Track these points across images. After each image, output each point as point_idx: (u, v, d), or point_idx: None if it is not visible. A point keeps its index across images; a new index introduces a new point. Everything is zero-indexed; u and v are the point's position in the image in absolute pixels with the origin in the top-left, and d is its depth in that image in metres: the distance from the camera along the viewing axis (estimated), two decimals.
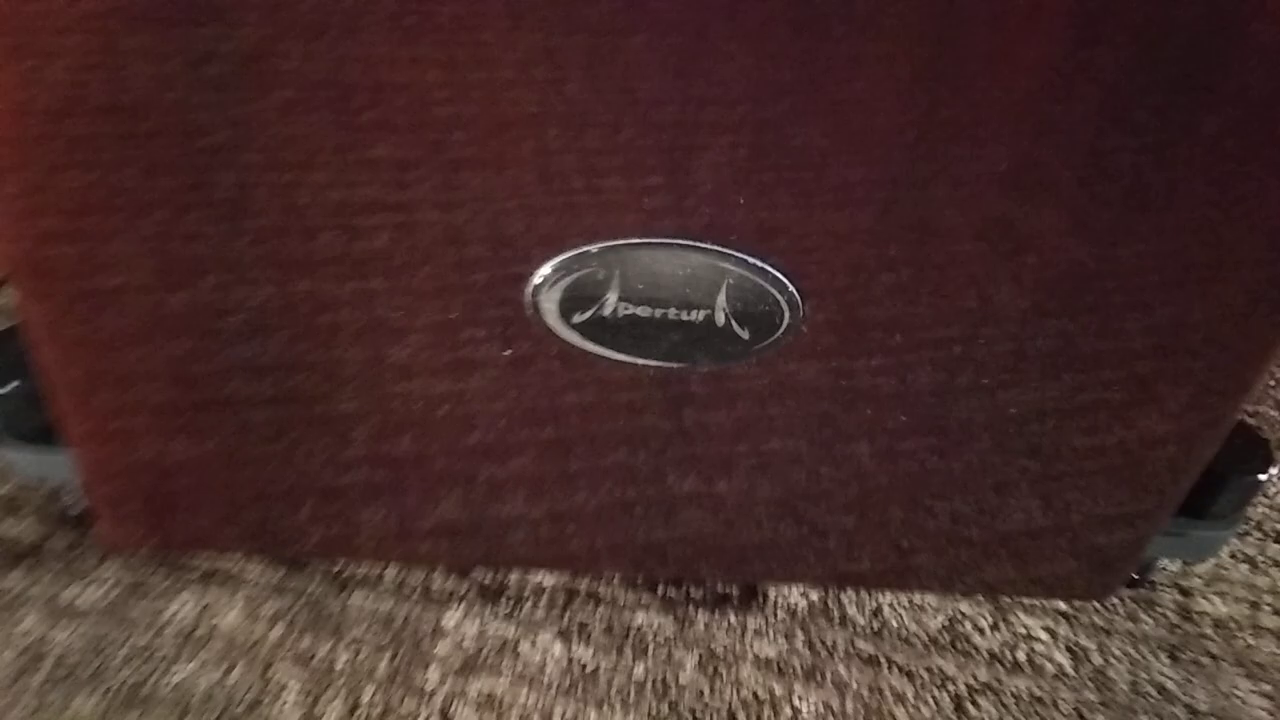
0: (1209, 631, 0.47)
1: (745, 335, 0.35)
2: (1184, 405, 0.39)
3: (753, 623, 0.46)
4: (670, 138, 0.32)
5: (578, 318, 0.35)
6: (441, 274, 0.35)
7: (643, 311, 0.35)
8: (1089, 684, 0.45)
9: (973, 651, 0.46)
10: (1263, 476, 0.43)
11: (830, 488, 0.41)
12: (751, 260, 0.34)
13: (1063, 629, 0.47)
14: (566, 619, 0.46)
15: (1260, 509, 0.52)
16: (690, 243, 0.33)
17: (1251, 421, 0.57)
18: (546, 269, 0.34)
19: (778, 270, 0.34)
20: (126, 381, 0.38)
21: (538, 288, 0.34)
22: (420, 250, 0.35)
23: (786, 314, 0.35)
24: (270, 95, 0.31)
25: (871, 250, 0.34)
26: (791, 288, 0.34)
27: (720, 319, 0.35)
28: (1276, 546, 0.51)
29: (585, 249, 0.33)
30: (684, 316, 0.35)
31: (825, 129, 0.31)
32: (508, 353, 0.37)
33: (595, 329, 0.35)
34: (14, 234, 0.34)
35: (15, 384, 0.42)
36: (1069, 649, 0.46)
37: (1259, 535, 0.51)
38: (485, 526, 0.42)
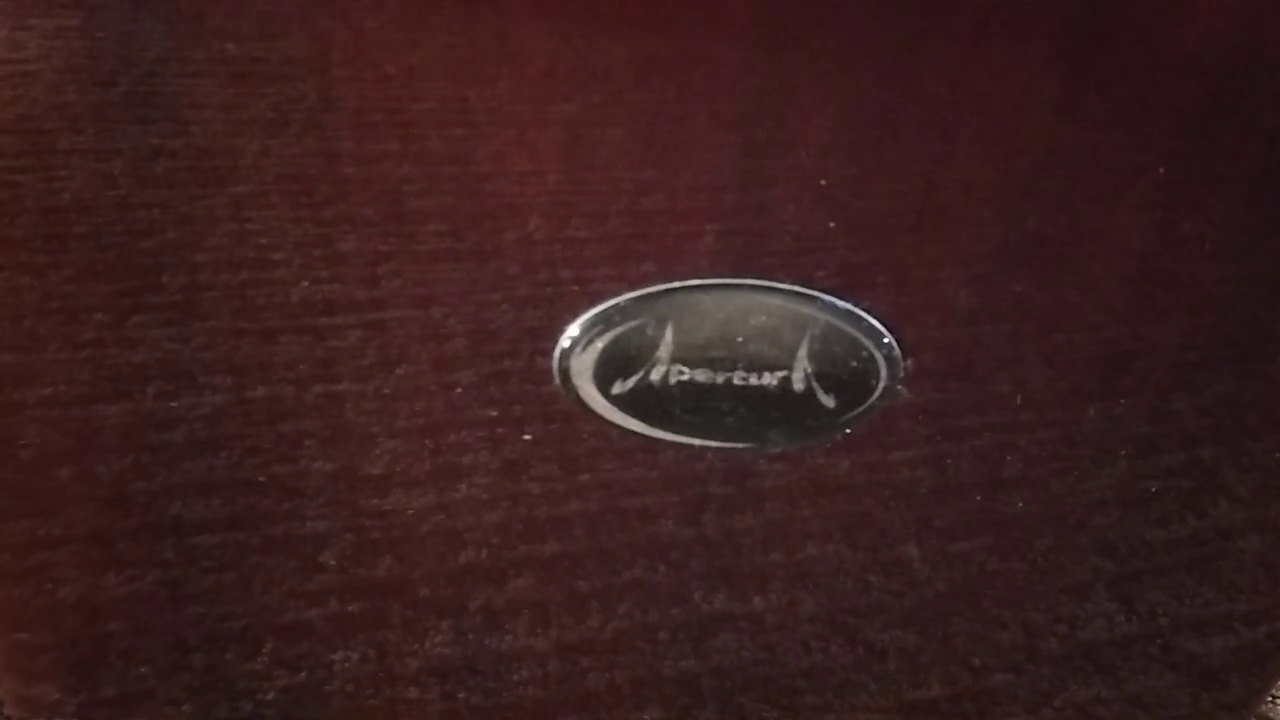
0: None
1: (831, 404, 0.30)
2: (1255, 491, 0.37)
3: None
4: (660, 224, 0.31)
5: (619, 387, 0.29)
6: (419, 374, 0.32)
7: (702, 376, 0.29)
8: None
9: None
10: None
11: (882, 599, 0.37)
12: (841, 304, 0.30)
13: None
14: None
15: None
16: (764, 283, 0.29)
17: None
18: (575, 329, 0.29)
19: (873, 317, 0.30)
20: (52, 506, 0.33)
21: (566, 352, 0.29)
22: (394, 349, 0.32)
23: (884, 372, 0.30)
24: (224, 190, 0.30)
25: None
26: (890, 339, 0.30)
27: (800, 383, 0.29)
28: None
29: (627, 297, 0.29)
30: (755, 380, 0.29)
31: (820, 215, 0.31)
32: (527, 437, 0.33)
33: (642, 401, 0.29)
34: None
35: None
36: None
37: None
38: (483, 665, 0.37)
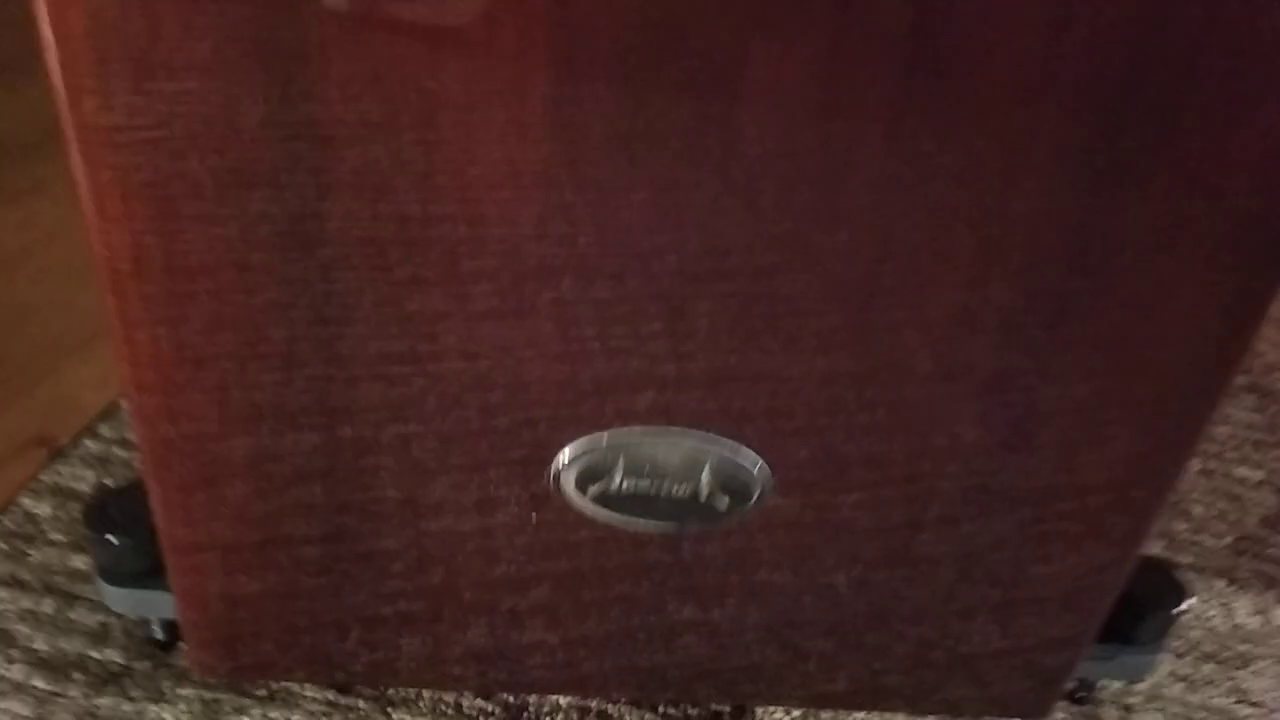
0: None
1: (724, 506, 0.41)
2: (1125, 534, 0.44)
3: None
4: (669, 286, 0.36)
5: (592, 490, 0.41)
6: (468, 418, 0.39)
7: (642, 486, 0.40)
8: None
9: None
10: (1178, 610, 0.49)
11: (812, 615, 0.46)
12: (729, 442, 0.40)
13: None
14: None
15: (1197, 632, 0.58)
16: (681, 429, 0.39)
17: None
18: (565, 455, 0.40)
19: (752, 449, 0.40)
20: (197, 522, 0.43)
21: (561, 471, 0.40)
22: (449, 396, 0.39)
23: (759, 486, 0.41)
24: (315, 254, 0.35)
25: (850, 391, 0.39)
26: (763, 462, 0.40)
27: (704, 493, 0.41)
28: (1209, 667, 0.56)
29: (598, 437, 0.39)
30: (675, 491, 0.41)
31: (810, 278, 0.35)
32: (534, 515, 0.43)
33: (605, 499, 0.41)
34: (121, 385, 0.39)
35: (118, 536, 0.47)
36: None
37: (1195, 656, 0.57)
38: (509, 652, 0.47)
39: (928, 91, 0.32)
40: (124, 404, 0.58)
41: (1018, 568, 0.46)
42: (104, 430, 0.62)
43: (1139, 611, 0.49)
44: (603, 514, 0.42)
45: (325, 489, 0.42)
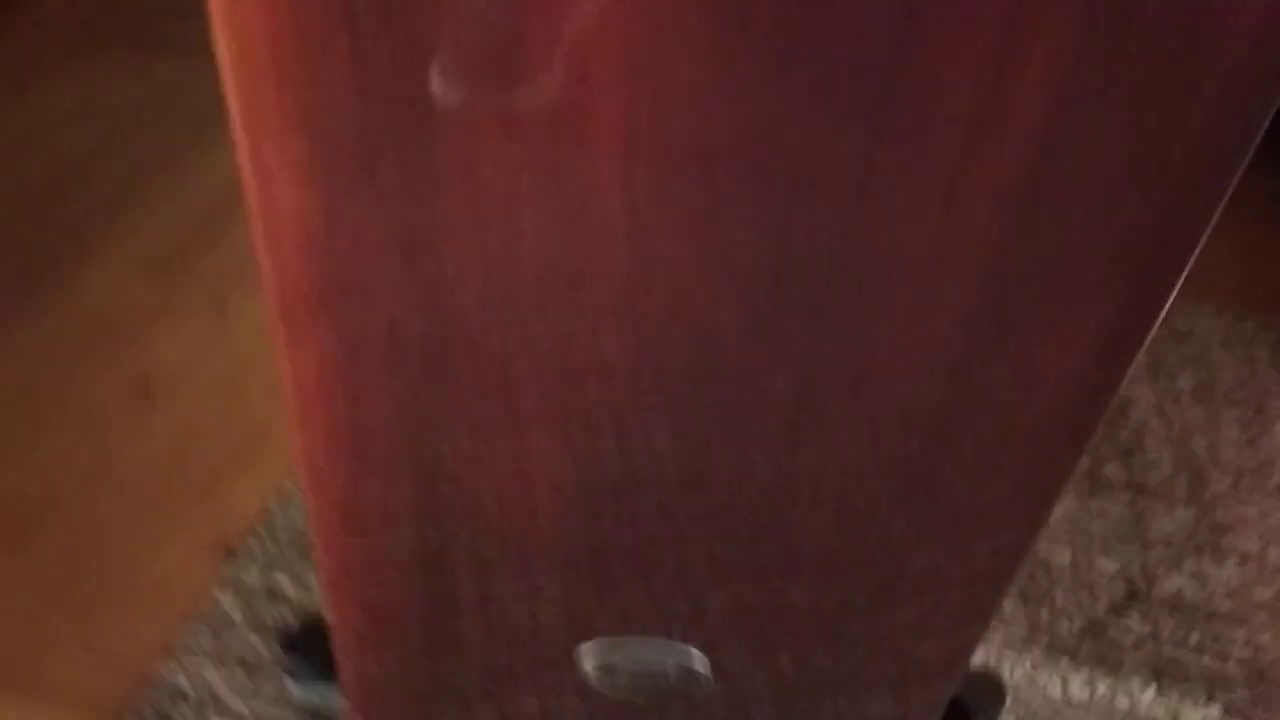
0: None
1: (687, 677, 0.65)
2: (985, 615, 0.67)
3: None
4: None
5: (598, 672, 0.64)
6: (519, 514, 0.62)
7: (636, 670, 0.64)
8: None
9: None
10: (998, 713, 0.73)
11: (753, 690, 0.70)
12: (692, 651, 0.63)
13: None
14: None
15: (1036, 701, 0.81)
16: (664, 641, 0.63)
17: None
18: (581, 651, 0.64)
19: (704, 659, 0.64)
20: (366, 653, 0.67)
21: (580, 660, 0.64)
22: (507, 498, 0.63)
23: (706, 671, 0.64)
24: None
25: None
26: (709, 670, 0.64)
27: (672, 675, 0.64)
28: None
29: (603, 641, 0.63)
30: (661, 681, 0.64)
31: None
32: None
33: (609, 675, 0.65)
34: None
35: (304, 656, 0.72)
36: None
37: None
38: None
39: None
40: (271, 518, 0.82)
41: (915, 653, 0.69)
42: (261, 531, 0.86)
43: (967, 715, 0.72)
44: (607, 687, 0.66)
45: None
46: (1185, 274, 0.44)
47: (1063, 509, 0.94)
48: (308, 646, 0.71)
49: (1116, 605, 0.87)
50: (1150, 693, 0.81)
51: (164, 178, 1.19)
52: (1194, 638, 0.85)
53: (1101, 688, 0.81)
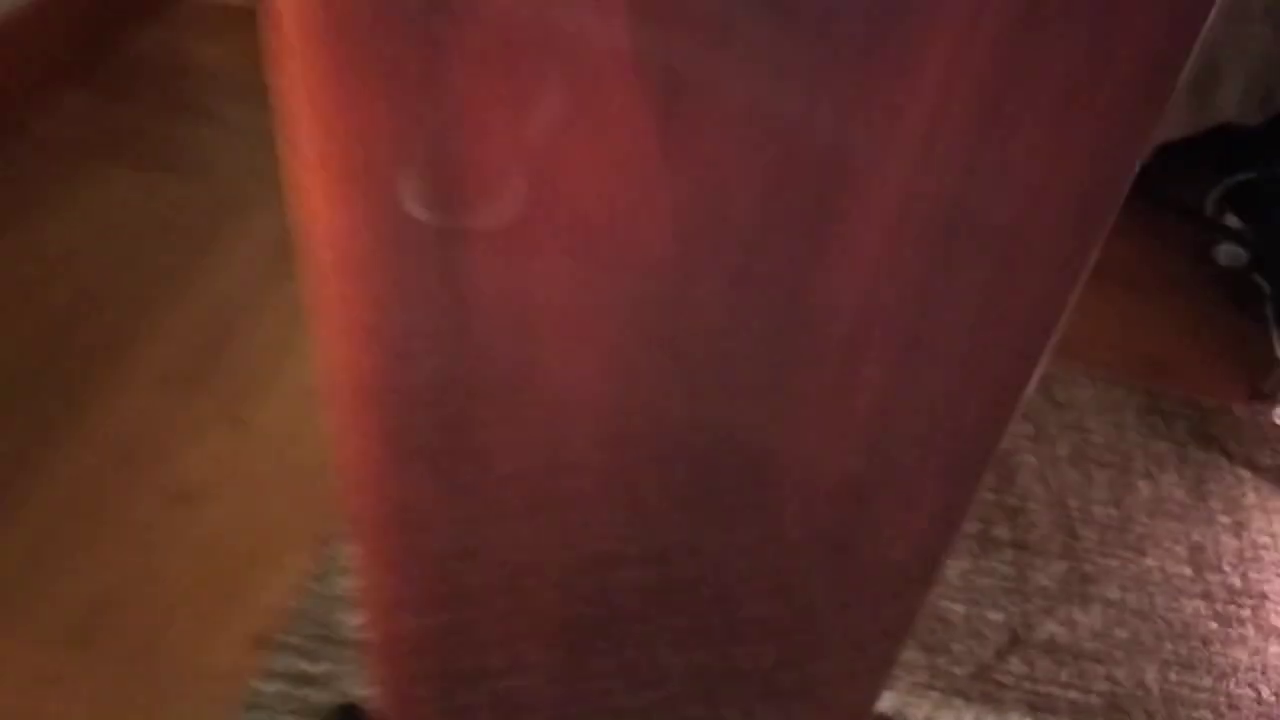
0: None
1: None
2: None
3: None
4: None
5: None
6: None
7: None
8: None
9: None
10: None
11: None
12: None
13: None
14: None
15: None
16: None
17: None
18: None
19: None
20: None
21: None
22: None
23: None
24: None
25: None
26: None
27: None
28: None
29: None
30: None
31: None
32: None
33: None
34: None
35: None
36: None
37: None
38: None
39: None
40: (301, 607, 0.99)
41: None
42: (292, 623, 1.02)
43: None
44: None
45: None
46: (1050, 347, 0.50)
47: (958, 568, 1.13)
48: None
49: (1000, 651, 1.06)
50: None
51: (170, 297, 1.34)
52: (1063, 675, 1.05)
53: None
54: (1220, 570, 1.17)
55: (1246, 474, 1.28)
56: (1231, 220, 1.64)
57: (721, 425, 0.54)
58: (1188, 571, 1.16)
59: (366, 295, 0.47)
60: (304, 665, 0.98)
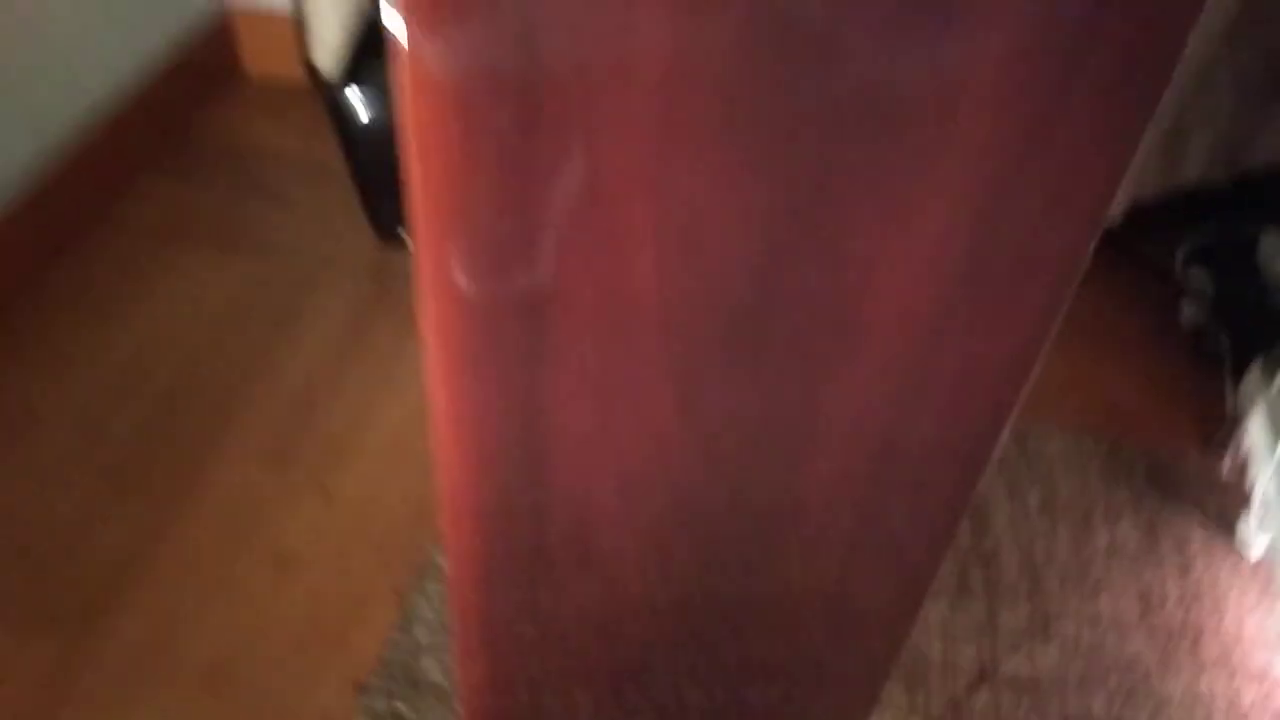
0: None
1: None
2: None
3: None
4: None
5: None
6: None
7: None
8: None
9: None
10: None
11: None
12: None
13: None
14: None
15: None
16: None
17: None
18: None
19: None
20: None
21: None
22: None
23: None
24: None
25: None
26: None
27: None
28: None
29: None
30: None
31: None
32: None
33: None
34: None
35: None
36: None
37: None
38: None
39: None
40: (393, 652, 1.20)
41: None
42: (382, 669, 1.24)
43: None
44: None
45: None
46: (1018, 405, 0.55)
47: (937, 612, 1.33)
48: None
49: (970, 685, 1.27)
50: None
51: (258, 375, 1.56)
52: (1023, 707, 1.25)
53: None
54: (1165, 609, 1.37)
55: (1195, 520, 1.48)
56: (1197, 276, 1.82)
57: (738, 492, 0.64)
58: (1136, 610, 1.36)
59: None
60: (399, 706, 1.20)
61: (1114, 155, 0.45)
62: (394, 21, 0.42)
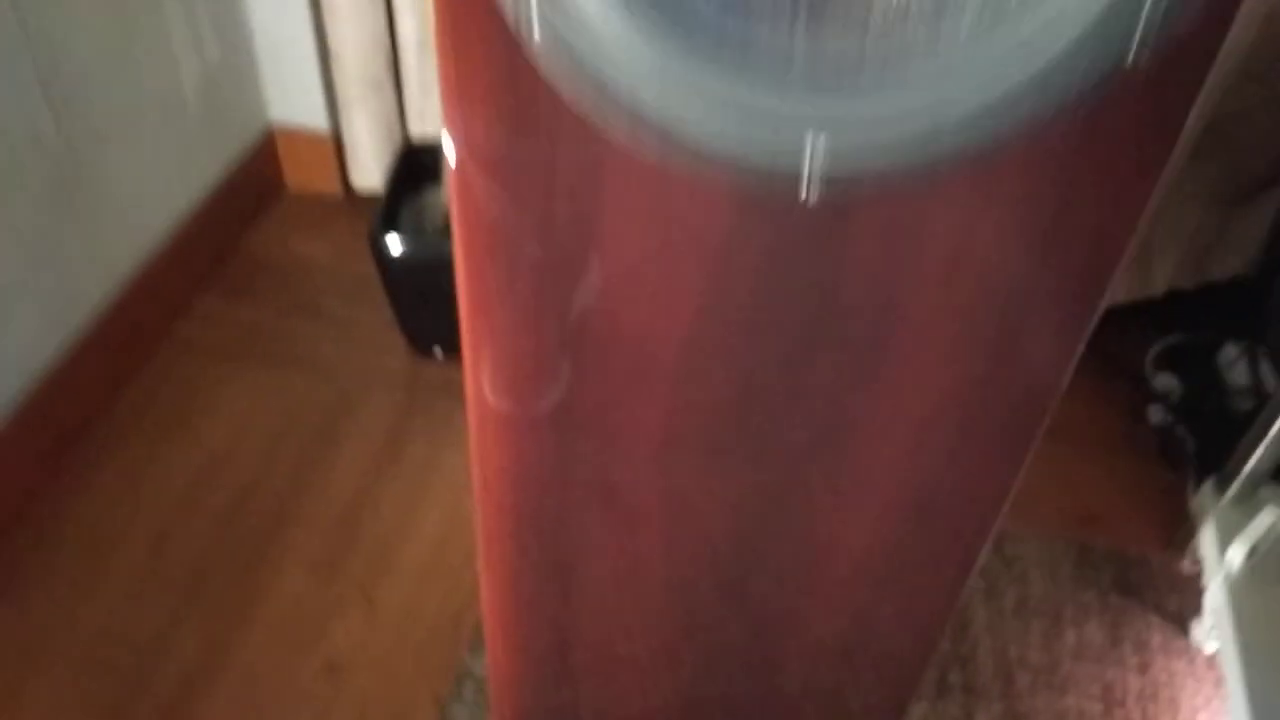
0: None
1: None
2: None
3: None
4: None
5: None
6: None
7: None
8: None
9: None
10: None
11: None
12: None
13: None
14: None
15: None
16: None
17: None
18: None
19: None
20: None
21: None
22: None
23: None
24: None
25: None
26: None
27: None
28: None
29: None
30: None
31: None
32: None
33: None
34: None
35: None
36: None
37: None
38: None
39: None
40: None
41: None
42: (462, 690, 1.40)
43: None
44: None
45: None
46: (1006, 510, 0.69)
47: (919, 711, 1.49)
48: None
49: None
50: None
51: (307, 489, 1.73)
52: None
53: None
54: (1124, 706, 1.52)
55: (1155, 619, 1.63)
56: (1165, 379, 1.98)
57: (746, 601, 0.81)
58: (1099, 708, 1.51)
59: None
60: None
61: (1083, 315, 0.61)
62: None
